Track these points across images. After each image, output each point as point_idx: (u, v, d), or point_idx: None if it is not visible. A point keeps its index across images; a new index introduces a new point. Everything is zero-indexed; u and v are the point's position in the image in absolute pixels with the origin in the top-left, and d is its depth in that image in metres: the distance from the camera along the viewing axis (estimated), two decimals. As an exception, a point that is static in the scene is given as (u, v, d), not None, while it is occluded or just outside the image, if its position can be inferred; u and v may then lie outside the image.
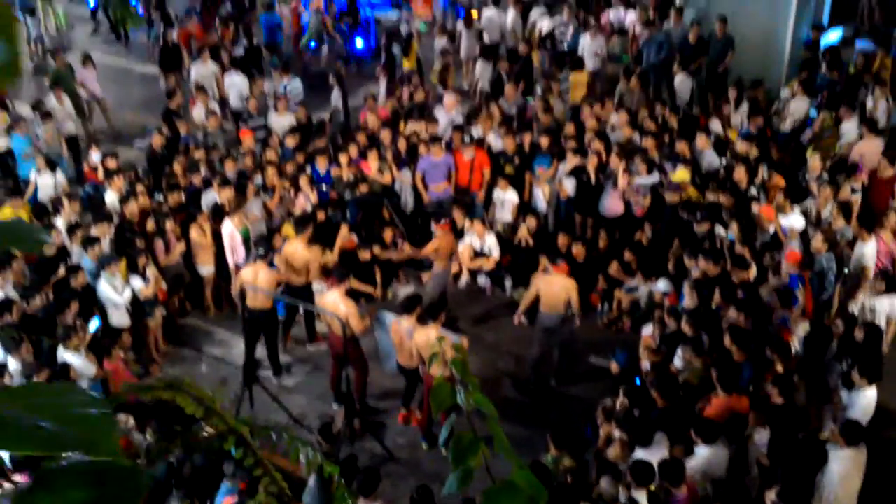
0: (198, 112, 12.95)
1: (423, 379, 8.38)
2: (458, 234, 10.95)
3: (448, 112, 12.76)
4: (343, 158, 11.36)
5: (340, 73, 14.44)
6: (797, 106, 12.48)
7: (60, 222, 10.02)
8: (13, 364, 7.92)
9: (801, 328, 8.53)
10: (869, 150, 11.03)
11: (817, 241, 9.03)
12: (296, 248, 9.49)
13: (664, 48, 14.31)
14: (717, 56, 14.05)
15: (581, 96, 13.49)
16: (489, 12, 16.73)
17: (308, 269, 9.52)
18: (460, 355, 2.08)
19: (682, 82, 13.59)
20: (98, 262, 9.22)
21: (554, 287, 8.90)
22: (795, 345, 8.36)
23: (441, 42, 15.91)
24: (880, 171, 10.56)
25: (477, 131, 12.15)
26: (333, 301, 8.52)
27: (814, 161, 10.67)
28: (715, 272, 8.80)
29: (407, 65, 15.78)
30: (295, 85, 14.09)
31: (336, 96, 14.05)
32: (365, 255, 10.61)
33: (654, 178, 10.66)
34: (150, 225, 9.98)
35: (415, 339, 8.09)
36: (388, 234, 10.94)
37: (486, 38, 16.47)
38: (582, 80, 13.90)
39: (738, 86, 12.68)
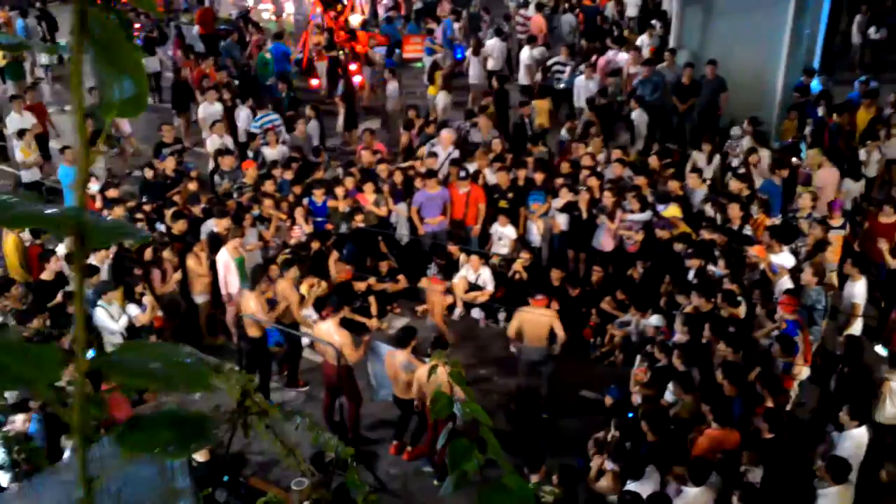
0: (211, 144, 13.18)
1: (425, 413, 8.32)
2: (454, 266, 11.08)
3: (445, 147, 12.94)
4: (339, 191, 11.49)
5: (318, 107, 14.66)
6: (748, 143, 12.78)
7: (60, 249, 10.10)
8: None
9: (803, 373, 8.62)
10: (828, 178, 11.48)
11: (807, 275, 9.15)
12: (282, 287, 9.62)
13: (659, 88, 14.61)
14: (708, 97, 14.31)
15: (544, 122, 14.47)
16: (492, 41, 17.85)
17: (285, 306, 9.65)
18: (457, 368, 2.16)
19: (639, 116, 14.09)
20: (94, 290, 9.28)
21: (534, 321, 8.97)
22: (795, 389, 8.44)
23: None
24: (881, 215, 10.65)
25: (472, 166, 12.31)
26: (328, 330, 8.58)
27: (804, 200, 10.81)
28: (707, 308, 8.90)
29: (432, 91, 16.19)
30: (272, 119, 14.13)
31: (314, 127, 14.23)
32: (360, 286, 10.69)
33: (647, 215, 10.81)
34: (148, 253, 10.06)
35: (417, 374, 8.11)
36: (384, 266, 11.03)
37: (490, 63, 17.50)
38: (544, 107, 14.74)
39: (712, 139, 12.93)
